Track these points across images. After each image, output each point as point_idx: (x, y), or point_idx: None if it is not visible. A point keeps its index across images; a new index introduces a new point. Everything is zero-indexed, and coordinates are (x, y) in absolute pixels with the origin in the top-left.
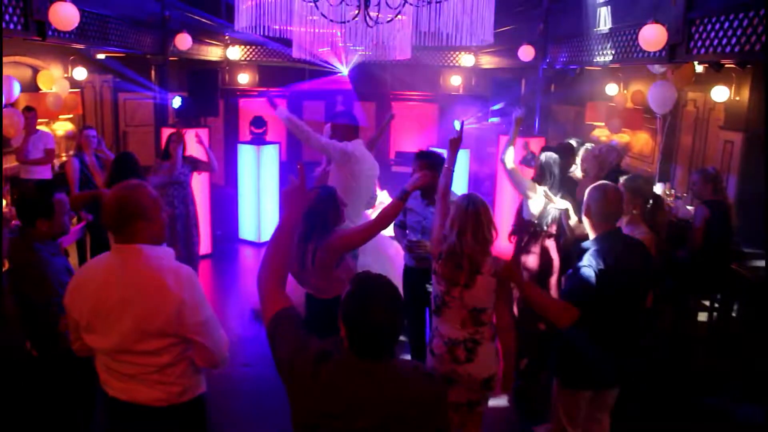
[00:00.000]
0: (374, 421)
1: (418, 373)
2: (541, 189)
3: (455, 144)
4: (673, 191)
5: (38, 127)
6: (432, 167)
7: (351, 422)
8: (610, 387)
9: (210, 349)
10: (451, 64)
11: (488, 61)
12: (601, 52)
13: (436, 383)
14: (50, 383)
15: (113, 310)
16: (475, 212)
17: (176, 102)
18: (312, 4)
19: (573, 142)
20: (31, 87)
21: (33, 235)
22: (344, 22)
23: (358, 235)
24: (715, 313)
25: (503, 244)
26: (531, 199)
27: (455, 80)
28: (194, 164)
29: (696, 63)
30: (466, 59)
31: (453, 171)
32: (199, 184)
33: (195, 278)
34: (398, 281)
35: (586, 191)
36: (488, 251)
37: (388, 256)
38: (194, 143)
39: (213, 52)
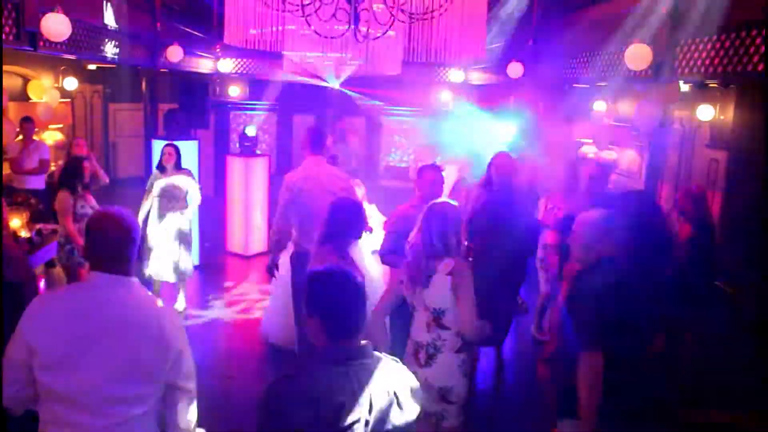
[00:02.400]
0: (360, 415)
1: (391, 360)
2: None
3: None
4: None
5: (33, 138)
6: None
7: (338, 417)
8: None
9: (194, 401)
10: (441, 80)
11: (478, 78)
12: (588, 70)
13: (407, 371)
14: None
15: (96, 341)
16: (436, 213)
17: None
18: (302, 18)
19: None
20: (21, 96)
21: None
22: (334, 38)
23: None
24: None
25: None
26: None
27: (445, 96)
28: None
29: (681, 82)
30: (456, 75)
31: None
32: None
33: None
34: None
35: (580, 219)
36: (448, 252)
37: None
38: (189, 156)
39: (204, 65)
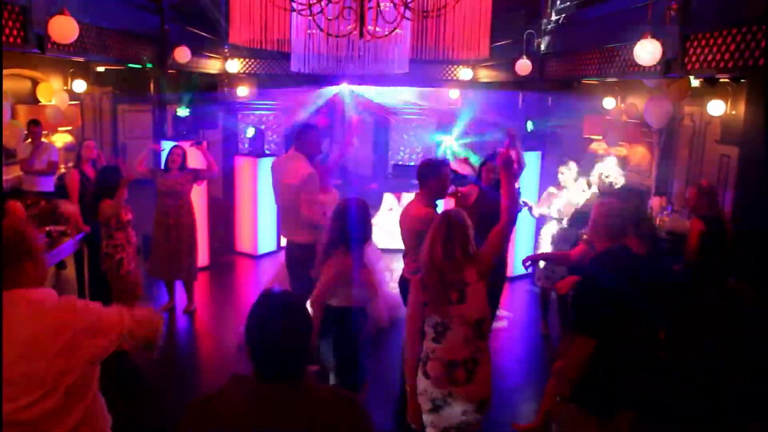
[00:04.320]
0: None
1: (335, 396)
2: None
3: (509, 167)
4: (669, 205)
5: (42, 140)
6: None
7: None
8: (617, 410)
9: (141, 326)
10: (449, 78)
11: (486, 75)
12: (597, 66)
13: (356, 406)
14: None
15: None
16: (456, 222)
17: (182, 111)
18: (310, 17)
19: None
20: (30, 99)
21: None
22: (342, 36)
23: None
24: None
25: None
26: None
27: (453, 94)
28: (195, 175)
29: (692, 77)
30: (464, 73)
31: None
32: (198, 197)
33: (81, 302)
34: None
35: (593, 207)
36: (468, 264)
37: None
38: (194, 156)
39: (212, 65)
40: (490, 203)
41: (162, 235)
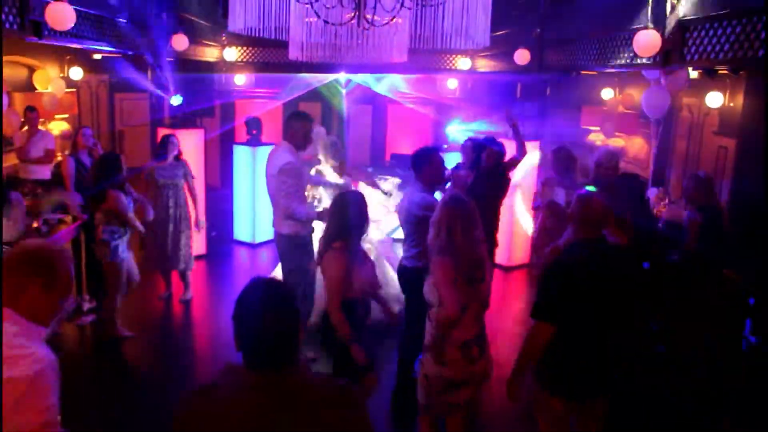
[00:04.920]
0: None
1: (329, 384)
2: None
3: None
4: (666, 195)
5: (39, 128)
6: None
7: None
8: (593, 397)
9: None
10: (448, 67)
11: (485, 65)
12: (596, 57)
13: (349, 392)
14: None
15: None
16: (471, 207)
17: (176, 100)
18: (308, 5)
19: None
20: (27, 87)
21: None
22: (340, 24)
23: None
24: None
25: None
26: None
27: (452, 83)
28: (185, 171)
29: (690, 69)
30: (463, 63)
31: None
32: (195, 186)
33: (53, 368)
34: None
35: (573, 198)
36: (481, 242)
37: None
38: (192, 145)
39: (210, 53)
40: (485, 186)
41: (158, 225)
